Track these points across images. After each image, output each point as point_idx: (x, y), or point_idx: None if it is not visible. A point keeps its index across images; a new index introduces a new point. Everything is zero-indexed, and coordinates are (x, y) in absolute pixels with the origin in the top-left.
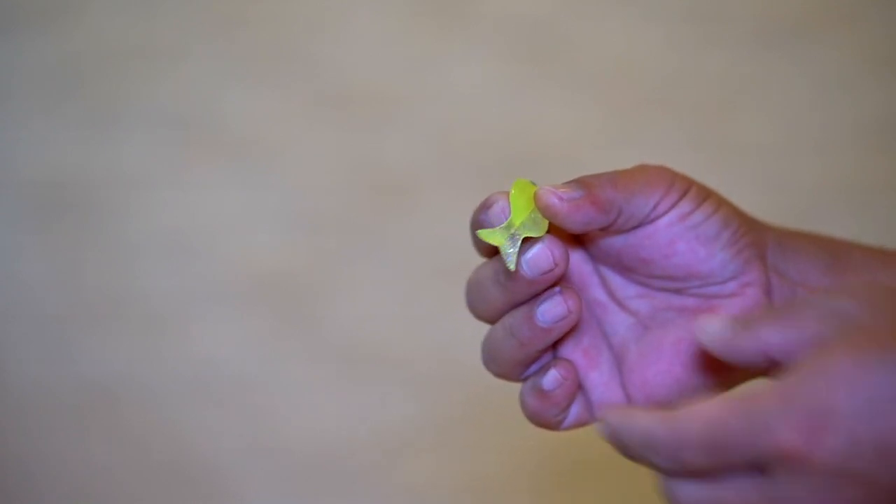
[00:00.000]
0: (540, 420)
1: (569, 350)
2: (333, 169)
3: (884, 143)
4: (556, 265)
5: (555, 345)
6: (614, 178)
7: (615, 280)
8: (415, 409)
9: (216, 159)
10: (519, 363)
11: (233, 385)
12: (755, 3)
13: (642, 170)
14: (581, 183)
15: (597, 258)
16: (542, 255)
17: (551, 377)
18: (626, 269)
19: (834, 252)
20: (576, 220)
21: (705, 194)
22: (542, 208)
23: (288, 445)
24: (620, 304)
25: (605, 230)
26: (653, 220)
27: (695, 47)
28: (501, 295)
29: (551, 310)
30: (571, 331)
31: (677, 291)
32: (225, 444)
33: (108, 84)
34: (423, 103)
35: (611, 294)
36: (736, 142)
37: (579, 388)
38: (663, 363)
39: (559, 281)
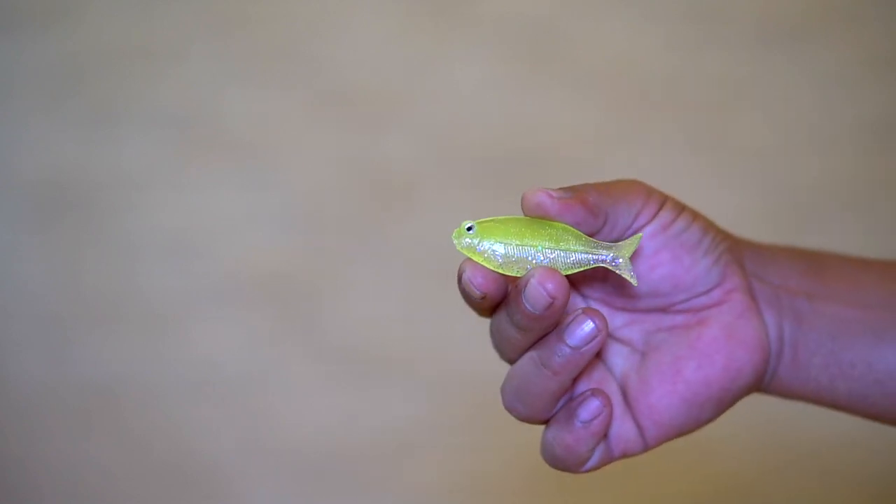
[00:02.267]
0: (570, 457)
1: (584, 386)
2: (333, 169)
3: (884, 143)
4: (553, 298)
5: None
6: (596, 185)
7: (603, 313)
8: (414, 409)
9: (216, 159)
10: (551, 397)
11: (233, 385)
12: (755, 3)
13: (619, 181)
14: (568, 187)
15: (583, 288)
16: (536, 293)
17: (593, 406)
18: (612, 293)
19: (809, 258)
20: (566, 220)
21: (681, 205)
22: (533, 206)
23: (288, 445)
24: (612, 336)
25: (591, 234)
26: (636, 231)
27: (695, 47)
28: (520, 335)
29: (579, 331)
30: (584, 367)
31: (664, 310)
32: (225, 443)
33: (108, 84)
34: (423, 103)
35: None
36: (736, 142)
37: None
38: (666, 386)
39: (565, 306)
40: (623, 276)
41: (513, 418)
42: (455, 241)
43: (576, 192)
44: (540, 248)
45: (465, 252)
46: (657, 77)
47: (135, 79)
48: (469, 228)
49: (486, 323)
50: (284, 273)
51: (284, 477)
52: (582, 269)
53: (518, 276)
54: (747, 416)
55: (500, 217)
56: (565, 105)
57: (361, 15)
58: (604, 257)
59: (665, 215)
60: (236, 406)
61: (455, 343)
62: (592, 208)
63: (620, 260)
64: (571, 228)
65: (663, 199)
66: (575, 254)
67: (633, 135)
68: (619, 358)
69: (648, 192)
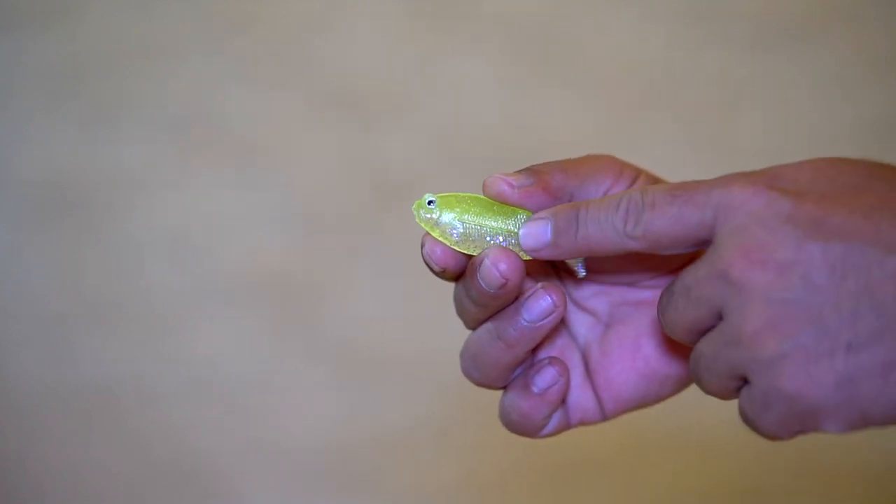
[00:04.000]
0: (525, 423)
1: (545, 353)
2: (333, 169)
3: (884, 143)
4: (506, 279)
5: (533, 350)
6: (564, 165)
7: (570, 280)
8: (415, 409)
9: (217, 159)
10: (506, 367)
11: (233, 384)
12: (755, 3)
13: (591, 158)
14: (531, 170)
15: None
16: (489, 273)
17: (548, 374)
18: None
19: None
20: (528, 207)
21: (654, 182)
22: (493, 195)
23: (288, 445)
24: (578, 305)
25: None
26: None
27: (695, 47)
28: (476, 308)
29: (536, 307)
30: (539, 341)
31: (630, 284)
32: (225, 443)
33: (109, 84)
34: (423, 103)
35: (568, 295)
36: (736, 142)
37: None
38: (626, 360)
39: (519, 286)
40: (570, 265)
41: None
42: (414, 213)
43: (538, 178)
44: (499, 229)
45: (424, 225)
46: (657, 77)
47: (135, 79)
48: (430, 202)
49: None
50: (284, 273)
51: (284, 476)
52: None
53: (474, 254)
54: None
55: (463, 194)
56: (565, 105)
57: (361, 15)
58: None
59: None
60: (236, 406)
61: (455, 343)
62: (555, 193)
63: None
64: (532, 215)
65: (635, 176)
66: None
67: (633, 135)
68: (582, 327)
69: (620, 168)
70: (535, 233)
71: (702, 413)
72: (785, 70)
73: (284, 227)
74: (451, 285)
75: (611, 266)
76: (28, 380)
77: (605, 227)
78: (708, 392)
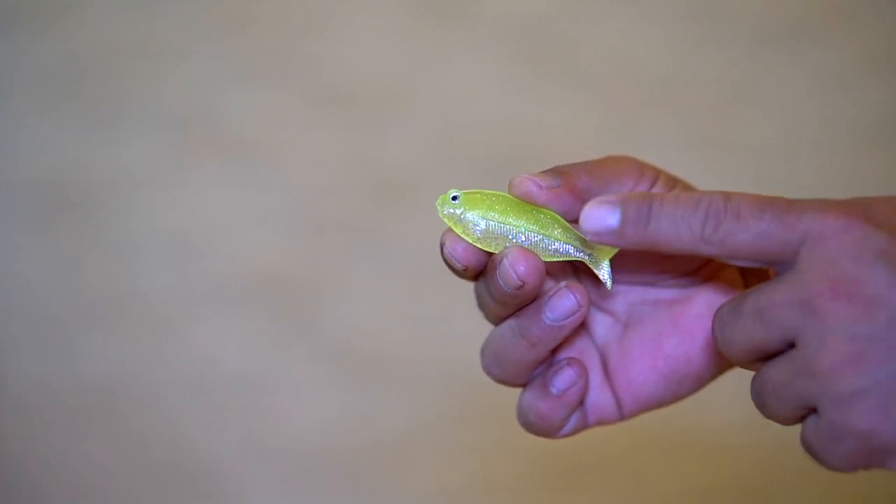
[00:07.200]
0: (544, 424)
1: (564, 354)
2: (333, 169)
3: (883, 143)
4: (523, 281)
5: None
6: (588, 167)
7: (589, 280)
8: (414, 409)
9: (216, 159)
10: (527, 366)
11: (233, 385)
12: (754, 3)
13: (612, 160)
14: (557, 171)
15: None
16: (507, 274)
17: (567, 375)
18: None
19: None
20: (554, 208)
21: (673, 181)
22: (520, 196)
23: (287, 445)
24: (596, 305)
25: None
26: None
27: (694, 47)
28: (497, 306)
29: (560, 305)
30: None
31: (651, 284)
32: (224, 443)
33: (108, 84)
34: (423, 103)
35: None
36: (735, 142)
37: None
38: (645, 360)
39: (538, 288)
40: (599, 276)
41: (513, 419)
42: (438, 208)
43: (565, 179)
44: (522, 229)
45: (447, 221)
46: (656, 77)
47: (135, 79)
48: (454, 198)
49: (486, 323)
50: (284, 273)
51: (283, 476)
52: (561, 259)
53: (495, 252)
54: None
55: (487, 191)
56: (565, 105)
57: (361, 15)
58: (584, 255)
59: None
60: (236, 405)
61: (455, 343)
62: (581, 195)
63: (601, 263)
64: (559, 217)
65: (655, 177)
66: (557, 243)
67: (633, 134)
68: (601, 328)
69: (640, 170)
70: (598, 215)
71: (708, 415)
72: (785, 70)
73: (284, 227)
74: (451, 285)
75: (633, 264)
76: (28, 379)
77: (681, 227)
78: (769, 417)
